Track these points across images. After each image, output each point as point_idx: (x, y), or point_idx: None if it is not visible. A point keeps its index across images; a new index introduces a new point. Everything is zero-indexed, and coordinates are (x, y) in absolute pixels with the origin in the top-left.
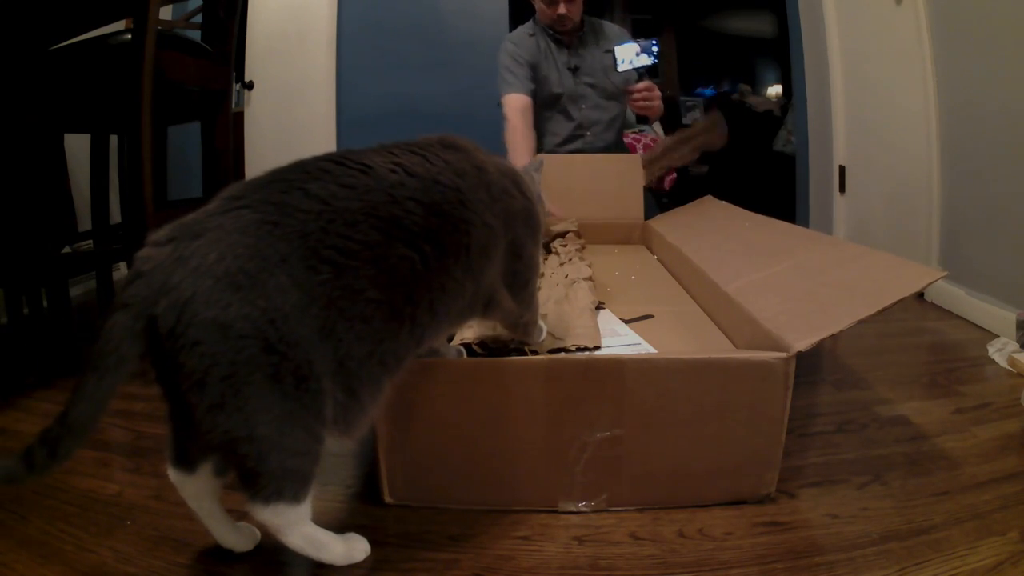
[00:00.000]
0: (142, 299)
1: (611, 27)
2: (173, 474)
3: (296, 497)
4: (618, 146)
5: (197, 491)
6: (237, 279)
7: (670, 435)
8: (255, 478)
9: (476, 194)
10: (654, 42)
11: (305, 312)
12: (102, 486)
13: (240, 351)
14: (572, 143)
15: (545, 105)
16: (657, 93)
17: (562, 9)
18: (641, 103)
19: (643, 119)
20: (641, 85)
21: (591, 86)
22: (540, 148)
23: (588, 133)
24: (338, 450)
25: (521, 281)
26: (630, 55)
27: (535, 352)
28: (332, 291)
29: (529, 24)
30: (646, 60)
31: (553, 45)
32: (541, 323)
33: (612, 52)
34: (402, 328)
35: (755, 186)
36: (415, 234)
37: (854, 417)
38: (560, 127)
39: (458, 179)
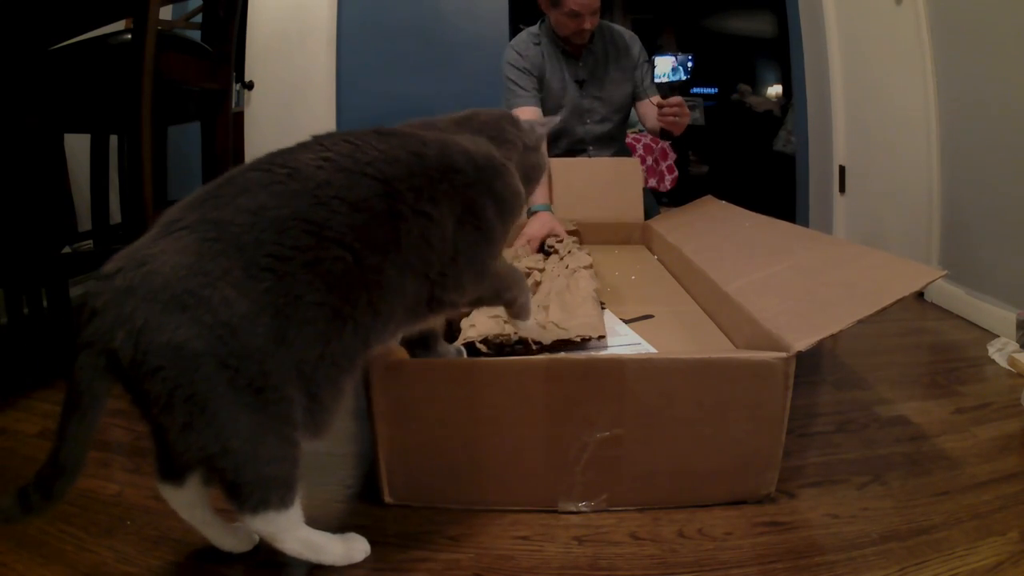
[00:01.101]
0: (100, 335)
1: (622, 32)
2: (163, 488)
3: (283, 503)
4: (619, 154)
5: (188, 502)
6: (183, 299)
7: (670, 435)
8: (238, 490)
9: (409, 182)
10: (690, 58)
11: (255, 321)
12: (102, 486)
13: (197, 369)
14: (576, 137)
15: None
16: (687, 111)
17: (587, 24)
18: (670, 119)
19: (667, 134)
20: (673, 100)
21: (598, 99)
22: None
23: (591, 148)
24: (338, 450)
25: (481, 254)
26: (666, 68)
27: (540, 344)
28: (276, 298)
29: (534, 29)
30: (681, 75)
31: (561, 56)
32: (530, 305)
33: (651, 61)
34: (345, 328)
35: (755, 186)
36: (343, 233)
37: (854, 417)
38: (561, 141)
39: (388, 168)
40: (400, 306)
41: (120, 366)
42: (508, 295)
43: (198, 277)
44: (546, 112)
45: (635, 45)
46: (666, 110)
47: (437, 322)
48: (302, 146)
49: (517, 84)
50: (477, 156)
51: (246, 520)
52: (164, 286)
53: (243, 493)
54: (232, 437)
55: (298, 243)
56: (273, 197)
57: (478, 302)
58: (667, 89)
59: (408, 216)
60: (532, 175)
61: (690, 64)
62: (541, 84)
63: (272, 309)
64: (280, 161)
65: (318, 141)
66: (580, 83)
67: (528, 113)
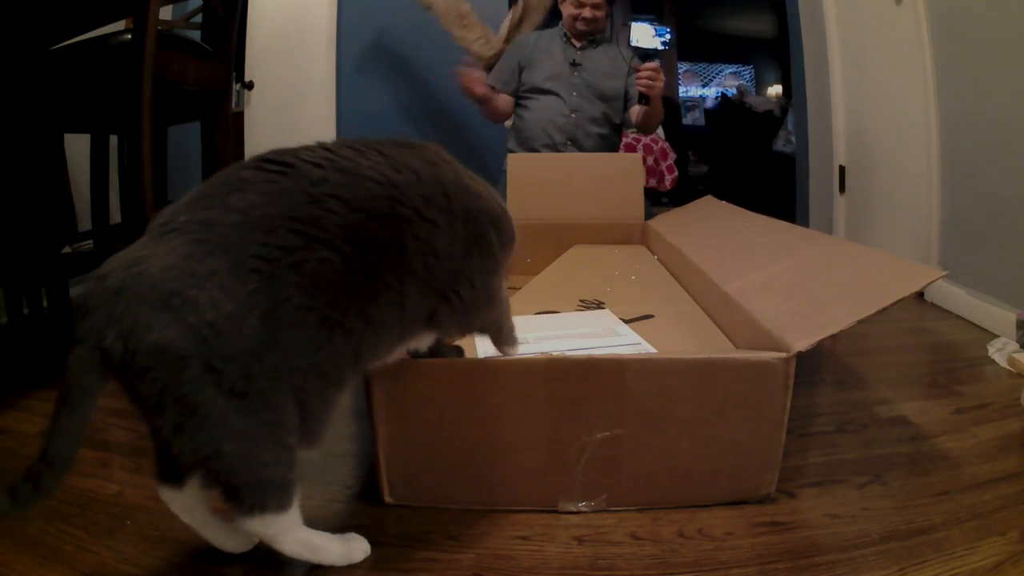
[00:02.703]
0: (92, 334)
1: (612, 46)
2: (162, 490)
3: (280, 505)
4: (608, 150)
5: (188, 504)
6: (170, 300)
7: (670, 435)
8: (235, 492)
9: (419, 189)
10: (668, 30)
11: (242, 323)
12: (102, 486)
13: (184, 370)
14: (563, 128)
15: (535, 91)
16: (662, 76)
17: (587, 12)
18: (645, 81)
19: (644, 99)
20: (649, 65)
21: (586, 82)
22: (530, 138)
23: (575, 116)
24: (338, 450)
25: (493, 281)
26: (645, 35)
27: None
28: (265, 300)
29: (548, 29)
30: (657, 44)
31: (563, 42)
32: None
33: (628, 25)
34: (334, 336)
35: (755, 186)
36: (335, 234)
37: (854, 417)
38: (550, 109)
39: (395, 174)
40: (396, 319)
41: (112, 365)
42: (506, 324)
43: (185, 278)
44: (530, 86)
45: (634, 60)
46: (642, 74)
47: (428, 342)
48: (303, 147)
49: (502, 65)
50: (486, 186)
51: (244, 522)
52: (152, 287)
53: (240, 495)
54: (224, 440)
55: (285, 243)
56: (263, 195)
57: (481, 329)
58: (643, 56)
59: (414, 220)
60: None
61: (668, 36)
62: (521, 62)
63: (260, 311)
64: (275, 159)
65: (321, 144)
66: (573, 64)
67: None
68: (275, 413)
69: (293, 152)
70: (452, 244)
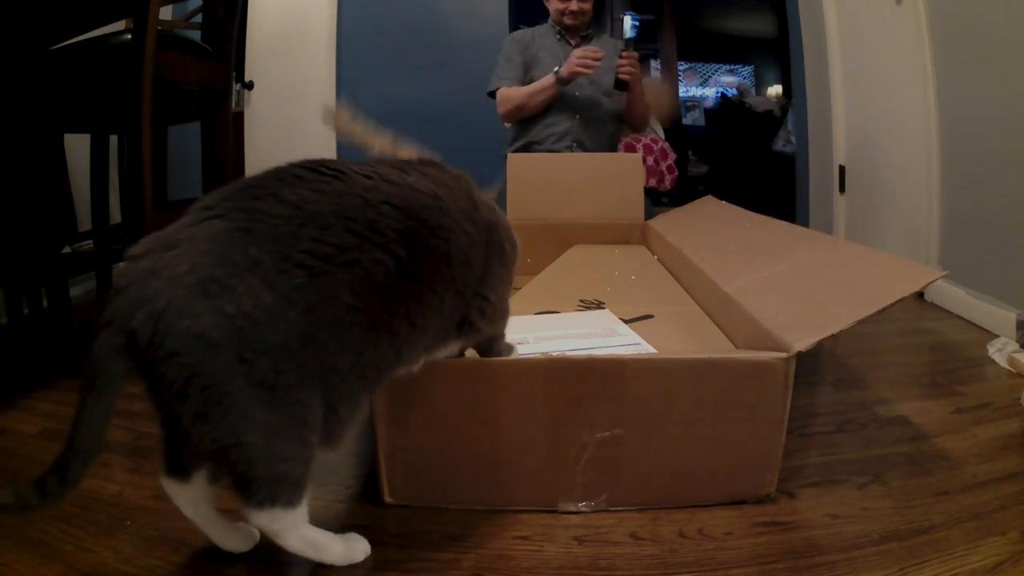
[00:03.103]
0: (121, 314)
1: (612, 40)
2: (167, 483)
3: (291, 502)
4: (611, 149)
5: (192, 499)
6: (208, 287)
7: (670, 435)
8: (248, 484)
9: (456, 202)
10: (639, 16)
11: (280, 316)
12: (102, 486)
13: (215, 360)
14: (566, 119)
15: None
16: (638, 64)
17: (574, 5)
18: (627, 68)
19: (622, 85)
20: (629, 53)
21: (591, 82)
22: (533, 143)
23: (578, 116)
24: (324, 458)
25: (505, 290)
26: (629, 24)
27: None
28: (308, 296)
29: (538, 27)
30: (631, 33)
31: (558, 39)
32: (511, 342)
33: (622, 19)
34: (381, 338)
35: (755, 186)
36: (389, 238)
37: (854, 417)
38: (554, 116)
39: (436, 187)
40: (435, 324)
41: (138, 347)
42: (503, 332)
43: (225, 266)
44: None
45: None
46: (622, 62)
47: (454, 350)
48: (352, 162)
49: (507, 59)
50: (493, 203)
51: (251, 514)
52: (189, 271)
53: (252, 488)
54: (247, 431)
55: (340, 241)
56: (318, 193)
57: (489, 340)
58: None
59: (455, 231)
60: None
61: (636, 23)
62: (526, 62)
63: (303, 306)
64: (329, 164)
65: (362, 164)
66: None
67: (506, 88)
68: (301, 409)
69: (339, 162)
70: (481, 254)
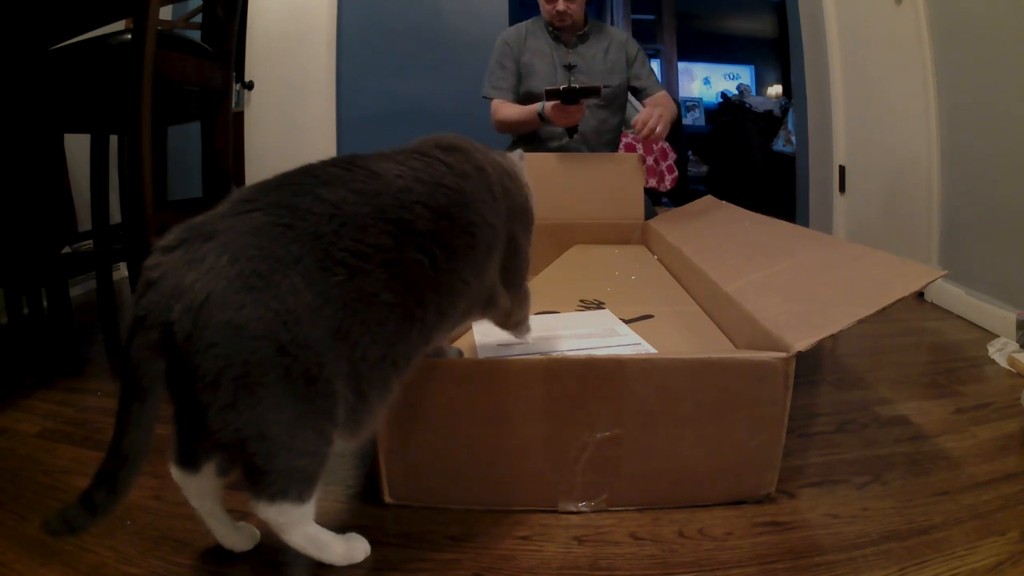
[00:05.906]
0: (156, 307)
1: (616, 31)
2: (177, 473)
3: (301, 497)
4: (612, 149)
5: (200, 490)
6: (251, 281)
7: (670, 435)
8: (261, 476)
9: (479, 195)
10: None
11: (319, 313)
12: None
13: (254, 352)
14: (559, 140)
15: (532, 100)
16: (656, 127)
17: (560, 6)
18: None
19: (572, 132)
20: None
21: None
22: (533, 134)
23: (576, 135)
24: (339, 450)
25: (518, 277)
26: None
27: None
28: (346, 293)
29: (531, 20)
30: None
31: (551, 41)
32: (530, 322)
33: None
34: (412, 329)
35: (755, 186)
36: (424, 237)
37: (854, 417)
38: (550, 128)
39: (461, 181)
40: (462, 308)
41: (173, 341)
42: (520, 313)
43: (269, 261)
44: (526, 97)
45: (630, 44)
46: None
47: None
48: (378, 155)
49: (499, 65)
50: (520, 179)
51: (260, 507)
52: (231, 263)
53: (266, 480)
54: (272, 424)
55: (378, 242)
56: (355, 193)
57: (499, 312)
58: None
59: (482, 225)
60: None
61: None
62: (520, 68)
63: (339, 303)
64: (361, 163)
65: (386, 155)
66: (569, 68)
67: (499, 102)
68: (330, 403)
69: (371, 160)
70: (502, 239)
